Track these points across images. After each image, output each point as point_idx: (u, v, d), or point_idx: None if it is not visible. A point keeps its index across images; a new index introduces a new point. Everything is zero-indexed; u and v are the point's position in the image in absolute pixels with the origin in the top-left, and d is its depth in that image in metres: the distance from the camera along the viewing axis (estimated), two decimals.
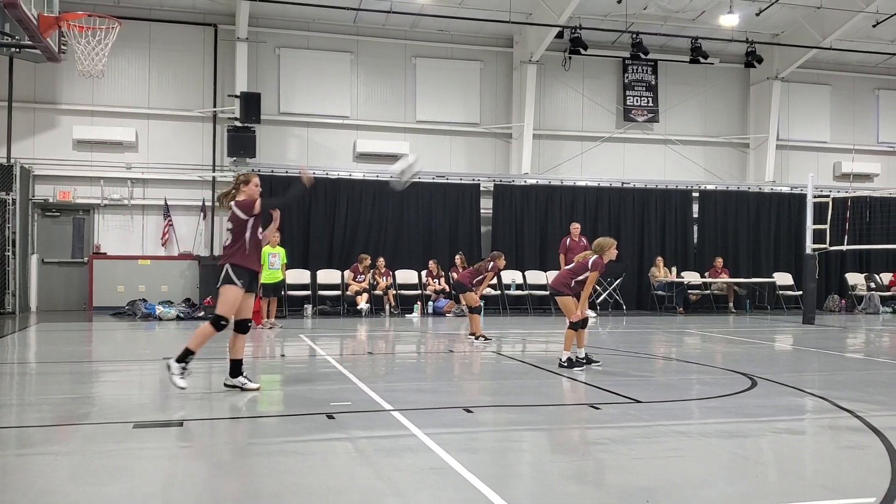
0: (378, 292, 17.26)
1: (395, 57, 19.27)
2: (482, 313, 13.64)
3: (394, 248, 18.27)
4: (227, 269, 6.87)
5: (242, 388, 7.14)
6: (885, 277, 20.47)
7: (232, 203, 7.04)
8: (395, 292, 17.49)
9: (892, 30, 19.52)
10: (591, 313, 16.91)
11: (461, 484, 4.39)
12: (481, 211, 18.94)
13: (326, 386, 7.65)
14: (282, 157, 18.63)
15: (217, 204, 7.20)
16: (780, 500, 4.31)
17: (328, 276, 17.71)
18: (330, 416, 6.10)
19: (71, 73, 15.47)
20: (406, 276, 18.06)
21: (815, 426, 6.31)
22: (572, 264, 9.24)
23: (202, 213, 18.20)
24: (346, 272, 17.36)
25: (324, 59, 18.82)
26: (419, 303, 17.21)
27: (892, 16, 18.55)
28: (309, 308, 17.00)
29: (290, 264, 16.13)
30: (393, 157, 18.88)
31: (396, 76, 19.29)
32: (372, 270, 17.39)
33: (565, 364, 8.90)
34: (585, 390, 7.77)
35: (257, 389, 7.20)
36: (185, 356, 6.87)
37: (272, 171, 17.94)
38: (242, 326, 7.17)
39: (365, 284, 17.13)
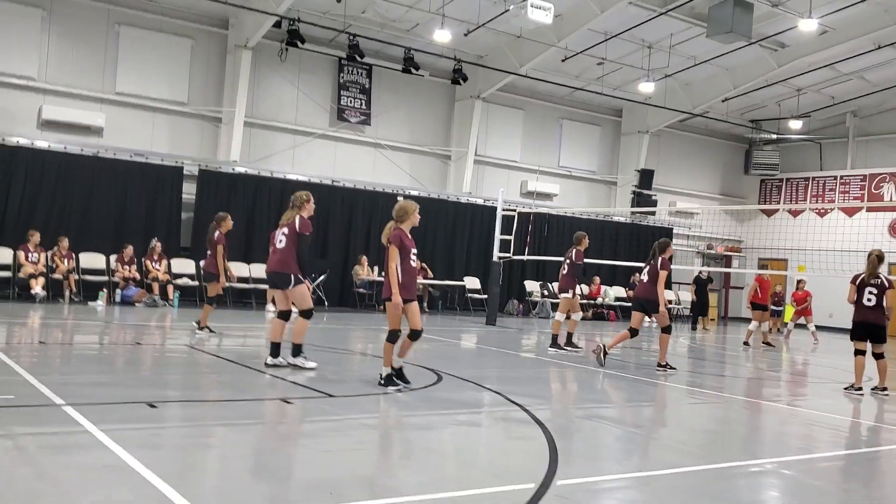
0: (57, 276, 15.65)
1: (96, 22, 17.63)
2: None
3: (79, 229, 16.64)
4: (296, 277, 8.29)
5: (301, 367, 8.24)
6: (556, 286, 22.90)
7: (297, 218, 8.39)
8: (77, 277, 15.97)
9: (578, 66, 21.93)
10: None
11: (138, 482, 4.12)
12: (183, 196, 17.97)
13: None
14: None
15: (288, 210, 8.59)
16: (454, 488, 4.61)
17: None
18: None
19: None
20: (92, 259, 16.57)
21: (490, 419, 6.85)
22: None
23: None
24: (19, 252, 15.52)
25: (9, 12, 16.63)
26: (105, 290, 15.90)
27: (578, 53, 20.83)
28: None
29: None
30: (86, 129, 17.32)
31: (96, 42, 17.65)
32: (51, 251, 15.73)
33: (382, 382, 7.49)
34: (280, 385, 7.70)
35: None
36: (299, 350, 8.32)
37: None
38: (286, 315, 8.56)
39: (41, 267, 15.45)
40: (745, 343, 16.46)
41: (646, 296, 10.73)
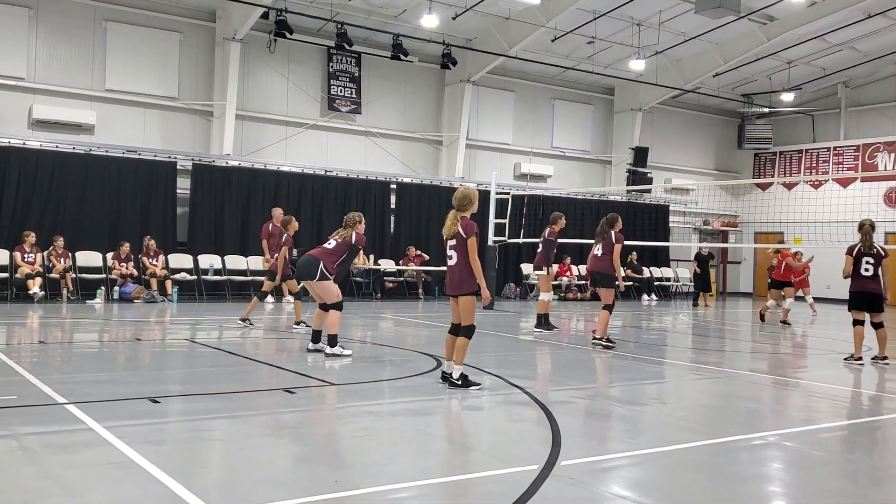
0: (54, 276, 15.63)
1: (83, 18, 17.51)
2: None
3: (75, 227, 16.60)
4: (324, 271, 8.82)
5: (327, 355, 8.65)
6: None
7: (353, 233, 9.00)
8: (73, 276, 15.95)
9: (568, 46, 21.83)
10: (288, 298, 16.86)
11: (144, 478, 4.13)
12: (178, 191, 17.92)
13: None
14: None
15: (341, 229, 9.10)
16: (457, 472, 4.63)
17: None
18: None
19: None
20: (88, 258, 16.55)
21: (491, 402, 6.87)
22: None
23: None
24: (16, 252, 15.49)
25: None
26: (103, 288, 15.89)
27: (567, 33, 20.74)
28: None
29: None
30: (77, 127, 17.24)
31: (84, 39, 17.54)
32: (48, 251, 15.71)
33: (458, 382, 7.13)
34: (281, 375, 7.72)
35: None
36: (335, 341, 8.75)
37: None
38: (323, 306, 9.05)
39: (38, 266, 15.42)
40: (784, 322, 15.99)
41: (598, 269, 10.74)
